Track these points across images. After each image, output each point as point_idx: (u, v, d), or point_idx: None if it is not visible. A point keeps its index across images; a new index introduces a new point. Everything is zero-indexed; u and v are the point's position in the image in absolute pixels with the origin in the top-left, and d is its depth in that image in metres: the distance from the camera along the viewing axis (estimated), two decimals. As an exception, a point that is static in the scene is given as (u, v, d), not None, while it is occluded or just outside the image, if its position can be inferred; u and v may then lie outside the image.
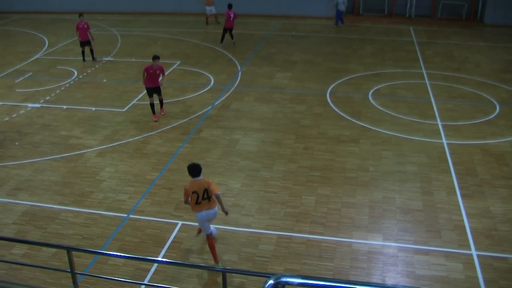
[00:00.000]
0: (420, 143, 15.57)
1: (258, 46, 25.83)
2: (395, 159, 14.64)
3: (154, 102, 17.36)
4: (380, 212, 12.24)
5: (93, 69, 22.77)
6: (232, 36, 25.90)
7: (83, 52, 23.62)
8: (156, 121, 17.30)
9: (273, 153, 15.09)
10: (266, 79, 21.02)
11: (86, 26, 23.08)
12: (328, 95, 19.23)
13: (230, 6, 25.41)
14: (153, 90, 17.15)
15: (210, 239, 10.54)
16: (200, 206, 10.23)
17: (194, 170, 10.28)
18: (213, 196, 10.26)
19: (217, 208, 10.44)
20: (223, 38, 26.13)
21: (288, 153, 15.06)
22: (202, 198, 10.19)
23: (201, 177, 10.32)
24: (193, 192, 10.16)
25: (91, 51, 23.79)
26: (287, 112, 17.92)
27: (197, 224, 11.61)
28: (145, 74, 16.95)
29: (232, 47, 25.44)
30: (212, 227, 10.97)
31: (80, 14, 23.25)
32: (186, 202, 10.40)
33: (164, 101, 17.94)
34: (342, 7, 29.33)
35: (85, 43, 23.32)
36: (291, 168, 14.26)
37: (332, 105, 18.37)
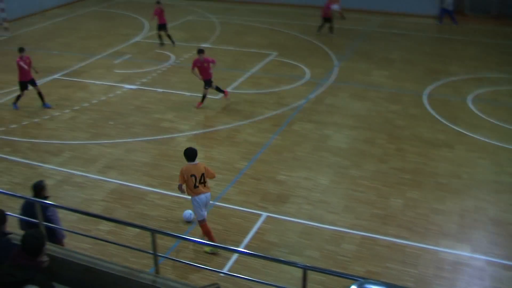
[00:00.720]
0: (520, 153, 14.93)
1: (357, 41, 25.51)
2: (491, 168, 14.08)
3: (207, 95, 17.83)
4: (470, 222, 11.83)
5: (190, 54, 23.23)
6: (331, 29, 25.98)
7: (160, 36, 24.63)
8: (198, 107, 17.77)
9: (364, 152, 14.91)
10: (362, 76, 20.74)
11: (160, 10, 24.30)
12: (425, 96, 18.74)
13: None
14: (208, 81, 17.50)
15: (205, 225, 10.74)
16: (198, 190, 10.48)
17: (192, 154, 10.64)
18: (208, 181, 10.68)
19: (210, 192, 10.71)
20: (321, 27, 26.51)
21: (379, 153, 14.82)
22: (199, 182, 10.47)
23: (197, 161, 10.63)
24: (191, 175, 10.44)
25: (169, 36, 24.70)
26: (381, 111, 17.62)
27: (281, 216, 11.70)
28: (195, 68, 17.38)
29: (329, 40, 25.27)
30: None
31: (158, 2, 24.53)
32: (180, 186, 10.62)
33: (258, 91, 18.05)
34: (450, 7, 28.48)
35: (162, 26, 24.45)
36: (381, 168, 14.03)
37: (428, 107, 17.89)
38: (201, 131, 16.27)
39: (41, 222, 8.26)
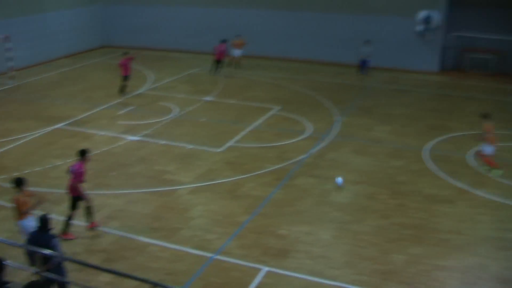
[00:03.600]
0: (522, 210, 14.92)
1: (359, 97, 25.79)
2: (493, 225, 14.05)
3: None
4: (473, 279, 11.75)
5: (193, 107, 23.50)
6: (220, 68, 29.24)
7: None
8: None
9: (365, 207, 14.91)
10: (364, 131, 20.91)
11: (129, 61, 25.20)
12: (426, 152, 18.83)
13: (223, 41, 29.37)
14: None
15: None
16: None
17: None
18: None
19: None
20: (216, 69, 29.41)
21: (381, 208, 14.82)
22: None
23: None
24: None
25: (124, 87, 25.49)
26: (383, 166, 17.69)
27: (281, 271, 11.66)
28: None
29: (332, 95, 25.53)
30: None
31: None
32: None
33: (260, 145, 18.18)
34: (365, 56, 29.57)
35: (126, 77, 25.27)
36: (382, 224, 14.01)
37: (430, 162, 17.97)
38: (203, 183, 16.31)
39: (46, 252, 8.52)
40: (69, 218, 13.33)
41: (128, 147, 19.15)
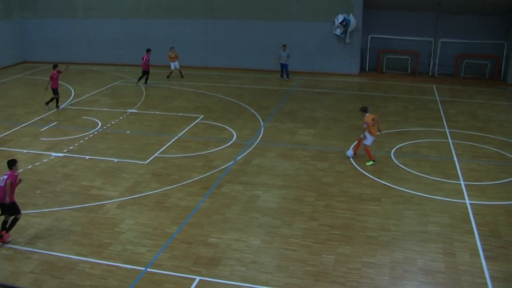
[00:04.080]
0: (443, 203, 15.40)
1: (282, 102, 26.04)
2: (417, 219, 14.46)
3: None
4: (401, 273, 12.02)
5: (117, 120, 23.10)
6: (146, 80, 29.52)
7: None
8: None
9: (293, 210, 15.01)
10: (288, 136, 21.10)
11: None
12: (350, 152, 19.18)
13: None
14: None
15: None
16: None
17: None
18: None
19: None
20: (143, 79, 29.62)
21: (309, 211, 14.97)
22: None
23: None
24: None
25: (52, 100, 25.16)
26: (309, 169, 17.90)
27: (214, 279, 11.58)
28: None
29: (254, 101, 25.68)
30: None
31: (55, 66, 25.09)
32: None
33: (186, 155, 18.05)
34: (284, 60, 30.51)
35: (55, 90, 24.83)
36: (311, 226, 14.14)
37: (354, 163, 18.32)
38: (130, 197, 16.01)
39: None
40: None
41: (52, 164, 18.58)
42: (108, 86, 29.70)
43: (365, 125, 18.09)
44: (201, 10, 33.03)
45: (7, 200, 13.15)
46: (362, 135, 18.33)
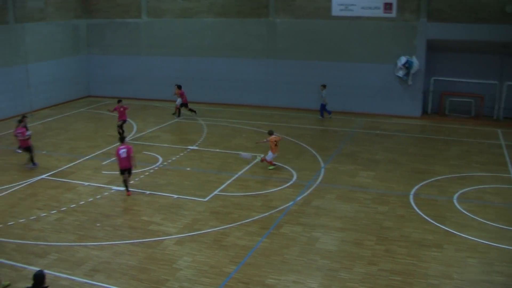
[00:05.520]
0: (509, 252, 14.89)
1: (342, 143, 25.91)
2: (481, 268, 14.02)
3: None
4: (464, 325, 11.64)
5: (177, 156, 23.46)
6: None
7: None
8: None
9: (353, 254, 14.81)
10: (349, 177, 20.93)
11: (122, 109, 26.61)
12: (411, 196, 18.88)
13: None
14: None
15: None
16: None
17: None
18: None
19: None
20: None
21: (369, 255, 14.74)
22: None
23: None
24: None
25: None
26: (369, 212, 17.67)
27: None
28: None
29: (315, 142, 25.61)
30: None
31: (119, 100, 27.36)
32: None
33: (246, 193, 18.13)
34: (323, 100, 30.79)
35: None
36: (371, 270, 13.90)
37: (415, 207, 17.99)
38: (188, 234, 16.15)
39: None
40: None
41: (113, 198, 19.00)
42: (170, 122, 30.27)
43: (265, 140, 22.05)
44: (263, 50, 33.44)
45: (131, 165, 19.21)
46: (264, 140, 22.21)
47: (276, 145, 21.60)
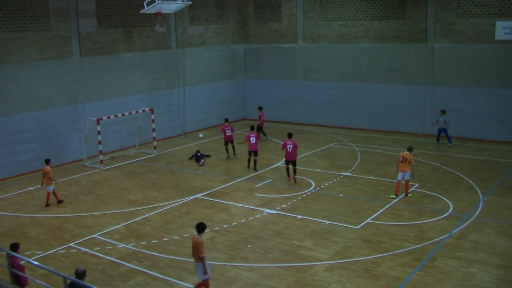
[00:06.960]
0: None
1: (504, 175, 24.54)
2: None
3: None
4: None
5: (330, 182, 23.55)
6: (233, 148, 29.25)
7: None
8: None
9: (513, 294, 14.01)
10: (510, 212, 19.77)
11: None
12: None
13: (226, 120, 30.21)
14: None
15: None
16: None
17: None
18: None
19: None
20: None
21: (531, 296, 13.86)
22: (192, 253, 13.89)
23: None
24: None
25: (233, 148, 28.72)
26: (532, 250, 16.62)
27: None
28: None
29: (474, 173, 24.51)
30: None
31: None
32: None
33: (399, 223, 17.76)
34: (442, 125, 29.77)
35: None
36: (533, 313, 13.05)
37: None
38: (339, 261, 16.14)
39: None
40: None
41: (264, 220, 19.47)
42: (323, 147, 30.45)
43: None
44: (420, 76, 32.64)
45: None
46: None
47: (402, 161, 21.18)
